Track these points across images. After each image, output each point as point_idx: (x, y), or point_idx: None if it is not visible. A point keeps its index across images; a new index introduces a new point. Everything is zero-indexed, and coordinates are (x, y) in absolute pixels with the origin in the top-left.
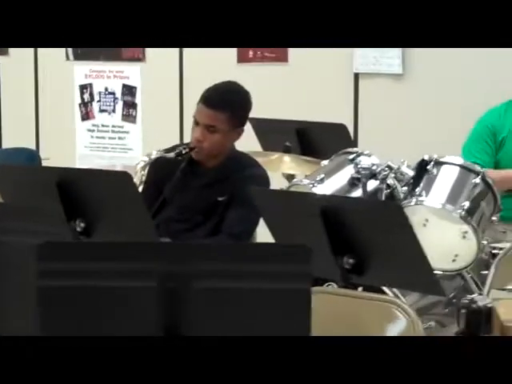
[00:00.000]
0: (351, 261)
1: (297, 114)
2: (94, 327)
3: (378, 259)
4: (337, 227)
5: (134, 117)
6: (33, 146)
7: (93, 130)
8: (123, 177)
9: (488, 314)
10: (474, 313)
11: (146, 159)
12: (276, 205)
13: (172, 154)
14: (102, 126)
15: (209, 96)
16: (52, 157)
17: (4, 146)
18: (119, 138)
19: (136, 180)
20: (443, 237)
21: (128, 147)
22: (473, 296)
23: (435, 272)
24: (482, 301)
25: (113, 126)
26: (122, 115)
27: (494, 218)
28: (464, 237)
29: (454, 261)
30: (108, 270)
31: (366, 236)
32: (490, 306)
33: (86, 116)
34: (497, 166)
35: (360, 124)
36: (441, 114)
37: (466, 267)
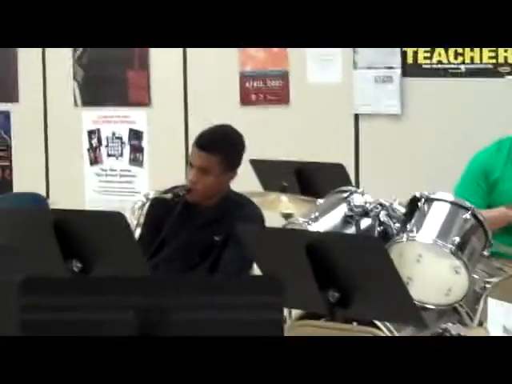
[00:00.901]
0: (336, 294)
1: (299, 154)
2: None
3: (362, 293)
4: (321, 262)
5: (141, 161)
6: (43, 191)
7: (101, 175)
8: (116, 217)
9: None
10: None
11: (144, 199)
12: (262, 242)
13: (169, 195)
14: (110, 170)
15: (201, 139)
16: (62, 201)
17: (15, 190)
18: (127, 182)
19: (134, 219)
20: (436, 272)
21: (136, 190)
22: (446, 325)
23: (429, 306)
24: (454, 330)
25: (121, 170)
26: (130, 159)
27: (485, 253)
28: (455, 271)
29: (447, 295)
30: (87, 303)
31: (349, 270)
32: (462, 334)
33: (95, 160)
34: (490, 208)
35: (361, 163)
36: (439, 152)
37: (458, 301)
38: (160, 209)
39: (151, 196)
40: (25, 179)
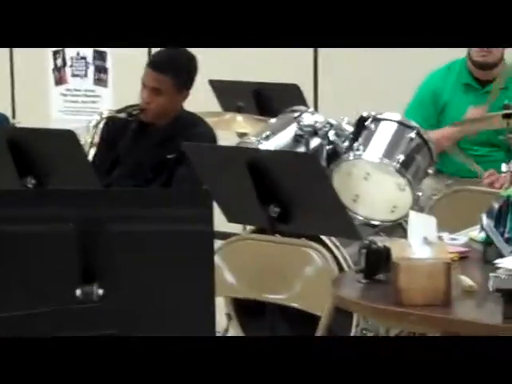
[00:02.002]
0: (277, 209)
1: (260, 76)
2: (12, 270)
3: (301, 208)
4: (262, 178)
5: (106, 81)
6: (8, 111)
7: (66, 95)
8: (67, 134)
9: (386, 253)
10: (373, 253)
11: (98, 118)
12: (207, 159)
13: (123, 115)
14: (75, 90)
15: (154, 60)
16: (27, 121)
17: None
18: (92, 102)
19: (88, 138)
20: (382, 189)
21: (100, 111)
22: (372, 237)
23: (375, 222)
24: (381, 242)
25: (85, 90)
26: (94, 79)
27: (429, 171)
28: (400, 189)
29: (392, 212)
30: (27, 215)
31: (289, 186)
32: (387, 246)
33: (60, 81)
34: None
35: (319, 85)
36: (395, 74)
37: (402, 217)
38: (114, 128)
39: (105, 115)
40: None
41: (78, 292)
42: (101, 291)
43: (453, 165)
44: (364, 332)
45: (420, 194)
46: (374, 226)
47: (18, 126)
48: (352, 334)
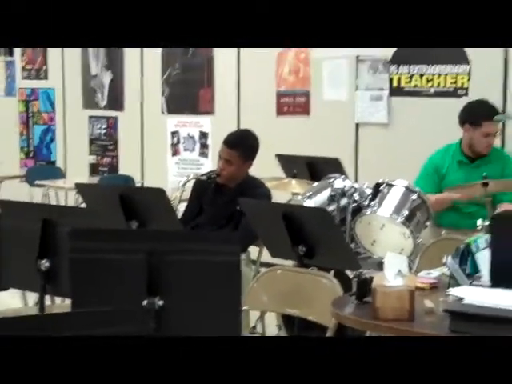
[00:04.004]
0: (304, 249)
1: (315, 151)
2: (100, 285)
3: (321, 247)
4: (294, 225)
5: (207, 154)
6: (139, 174)
7: (179, 163)
8: (158, 191)
9: (371, 282)
10: (362, 281)
11: (185, 179)
12: (255, 211)
13: (204, 177)
14: (185, 160)
15: (227, 139)
16: (151, 182)
17: (119, 173)
18: (197, 169)
19: (178, 194)
20: (392, 237)
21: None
22: (361, 270)
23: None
24: (368, 273)
25: (192, 160)
26: (199, 152)
27: (427, 224)
28: (405, 237)
29: (400, 253)
30: (116, 247)
31: (312, 232)
32: (372, 276)
33: (175, 153)
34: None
35: (359, 159)
36: (413, 151)
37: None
38: (200, 186)
39: (191, 177)
40: (127, 165)
41: (145, 302)
42: (161, 302)
43: (449, 219)
44: None
45: (419, 240)
46: None
47: (139, 185)
48: None
